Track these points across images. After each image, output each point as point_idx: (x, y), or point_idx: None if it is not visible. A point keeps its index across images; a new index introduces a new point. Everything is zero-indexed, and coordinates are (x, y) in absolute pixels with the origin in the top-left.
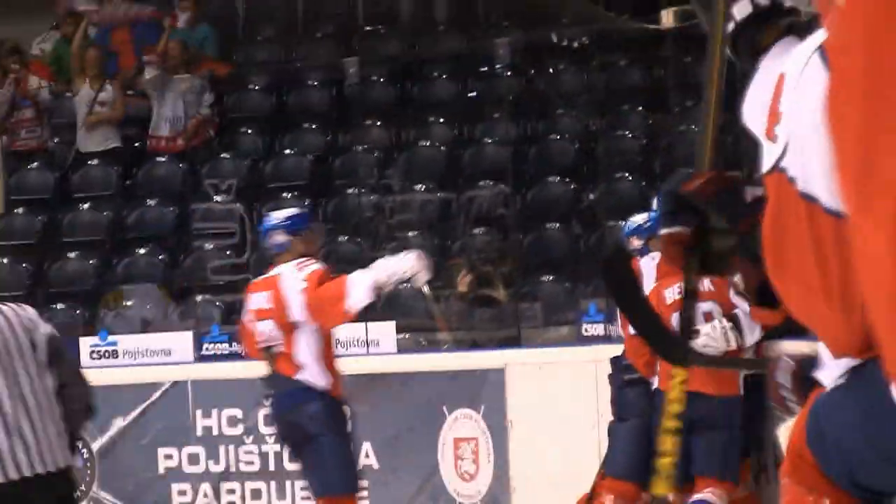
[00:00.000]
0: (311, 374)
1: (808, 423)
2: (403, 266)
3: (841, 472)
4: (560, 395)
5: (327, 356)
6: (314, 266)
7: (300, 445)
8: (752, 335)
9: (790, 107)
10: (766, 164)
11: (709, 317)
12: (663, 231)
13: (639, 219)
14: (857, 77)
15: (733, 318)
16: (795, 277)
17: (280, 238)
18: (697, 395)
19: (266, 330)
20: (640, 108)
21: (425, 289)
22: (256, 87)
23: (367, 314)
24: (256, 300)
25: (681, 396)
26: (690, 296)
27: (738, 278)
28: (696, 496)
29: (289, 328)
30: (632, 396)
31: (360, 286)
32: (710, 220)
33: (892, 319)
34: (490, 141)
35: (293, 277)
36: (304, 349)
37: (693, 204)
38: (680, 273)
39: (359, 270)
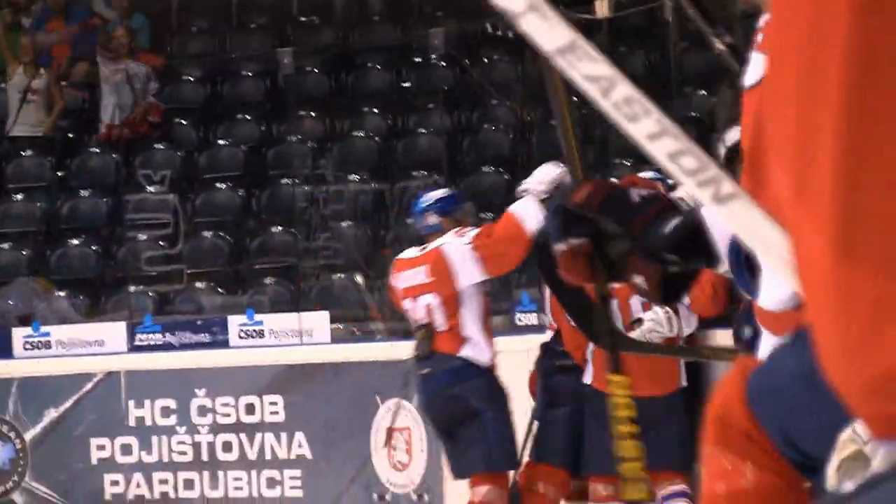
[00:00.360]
0: (476, 348)
1: (752, 383)
2: (547, 173)
3: (782, 432)
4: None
5: (488, 330)
6: (472, 228)
7: (458, 421)
8: (690, 325)
9: None
10: (751, 78)
11: (647, 305)
12: (561, 246)
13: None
14: (794, 60)
15: (672, 306)
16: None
17: (432, 219)
18: (641, 399)
19: (426, 304)
20: (575, 99)
21: (359, 279)
22: (190, 79)
23: (300, 305)
24: (410, 277)
25: (627, 401)
26: (605, 300)
27: (639, 279)
28: (673, 488)
29: (453, 300)
30: (563, 383)
31: (525, 208)
32: (601, 228)
33: (830, 325)
34: (424, 131)
35: (456, 243)
36: (470, 322)
37: (582, 214)
38: None
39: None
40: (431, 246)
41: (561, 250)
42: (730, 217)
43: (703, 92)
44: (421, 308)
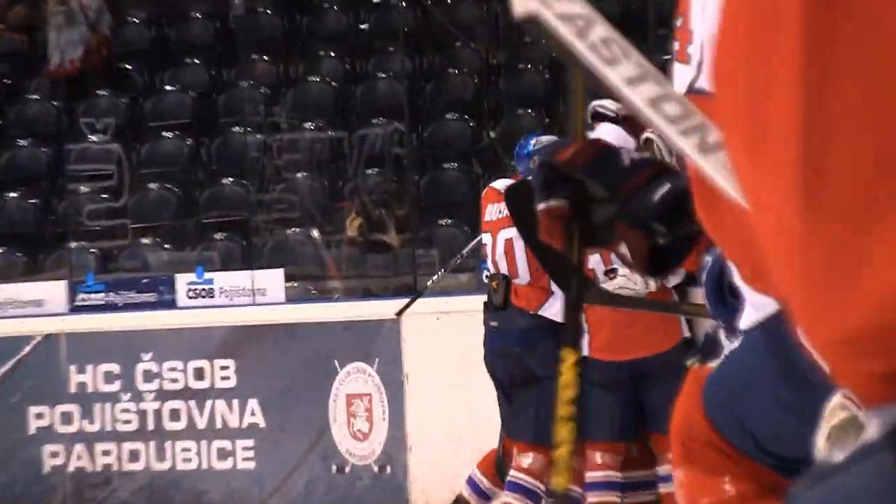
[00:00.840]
0: (556, 306)
1: (707, 390)
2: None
3: (747, 437)
4: (460, 346)
5: None
6: None
7: (517, 383)
8: (676, 276)
9: (700, 18)
10: (679, 90)
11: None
12: (541, 206)
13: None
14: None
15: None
16: (728, 202)
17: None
18: (644, 359)
19: (507, 239)
20: (544, 41)
21: (315, 234)
22: (135, 21)
23: (252, 262)
24: (496, 209)
25: (572, 381)
26: (578, 269)
27: (623, 248)
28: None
29: None
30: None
31: (612, 130)
32: (587, 190)
33: (799, 284)
34: (384, 76)
35: None
36: None
37: (568, 174)
38: None
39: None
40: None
41: (541, 210)
42: (716, 169)
43: None
44: (500, 245)
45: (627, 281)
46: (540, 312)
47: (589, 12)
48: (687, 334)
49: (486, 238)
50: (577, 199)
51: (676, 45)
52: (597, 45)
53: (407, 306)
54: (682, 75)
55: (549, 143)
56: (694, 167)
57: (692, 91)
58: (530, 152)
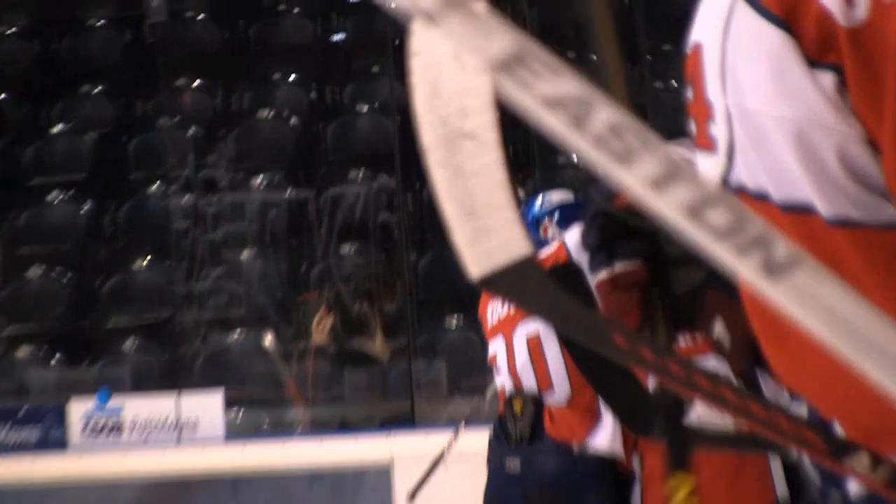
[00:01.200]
0: (609, 434)
1: None
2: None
3: None
4: (475, 501)
5: None
6: None
7: None
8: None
9: (722, 86)
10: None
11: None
12: (601, 275)
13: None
14: None
15: (748, 378)
16: (804, 340)
17: (551, 232)
18: None
19: (528, 338)
20: (574, 56)
21: (269, 340)
22: (13, 31)
23: (179, 381)
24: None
25: None
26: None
27: (719, 328)
28: None
29: None
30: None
31: None
32: (661, 246)
33: None
34: (366, 108)
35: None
36: None
37: (635, 226)
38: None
39: None
40: (549, 248)
41: (601, 281)
42: (791, 296)
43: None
44: (519, 349)
45: (706, 412)
46: (583, 446)
47: (587, 92)
48: (783, 491)
49: (495, 345)
50: (653, 259)
51: (692, 126)
52: (603, 137)
53: (425, 479)
54: (707, 167)
55: (564, 202)
56: (755, 293)
57: (727, 188)
58: (537, 216)
